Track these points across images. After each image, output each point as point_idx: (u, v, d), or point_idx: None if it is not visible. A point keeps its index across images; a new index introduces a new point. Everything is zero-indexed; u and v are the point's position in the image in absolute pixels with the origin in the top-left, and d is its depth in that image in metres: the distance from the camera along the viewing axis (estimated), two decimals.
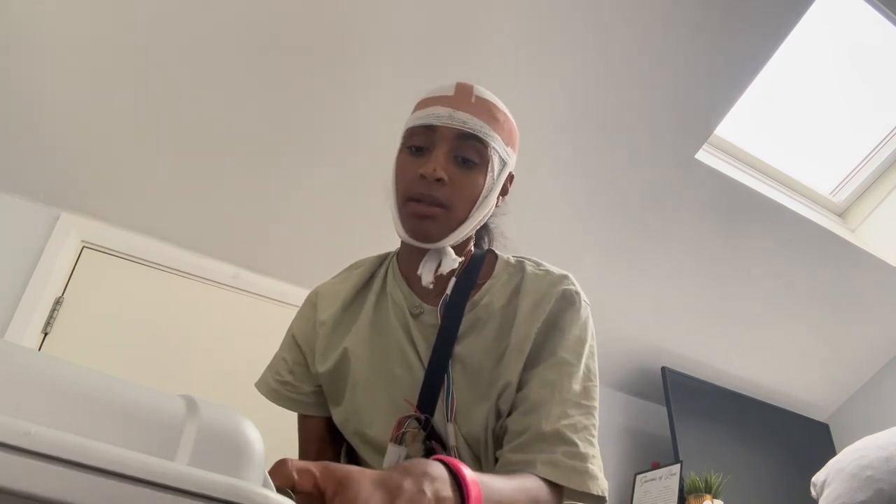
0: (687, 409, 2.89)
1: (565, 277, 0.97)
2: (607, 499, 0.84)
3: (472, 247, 1.01)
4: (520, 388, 0.90)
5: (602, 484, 0.83)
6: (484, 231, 1.06)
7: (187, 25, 1.89)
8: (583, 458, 0.83)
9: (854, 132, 2.95)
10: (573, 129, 2.30)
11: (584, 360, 0.92)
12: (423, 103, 0.95)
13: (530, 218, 2.40)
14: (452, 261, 0.92)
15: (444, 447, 0.88)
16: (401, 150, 0.95)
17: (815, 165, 2.96)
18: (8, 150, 1.99)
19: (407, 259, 1.00)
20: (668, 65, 2.20)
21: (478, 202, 0.92)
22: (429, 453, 0.88)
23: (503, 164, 0.95)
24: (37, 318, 1.98)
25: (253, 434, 0.44)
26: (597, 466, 0.84)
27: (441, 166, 0.88)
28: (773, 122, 2.84)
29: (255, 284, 2.35)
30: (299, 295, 2.37)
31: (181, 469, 0.36)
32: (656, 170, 2.45)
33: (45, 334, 2.02)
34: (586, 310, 0.96)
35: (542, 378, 0.88)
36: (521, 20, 2.04)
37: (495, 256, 1.03)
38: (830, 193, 3.03)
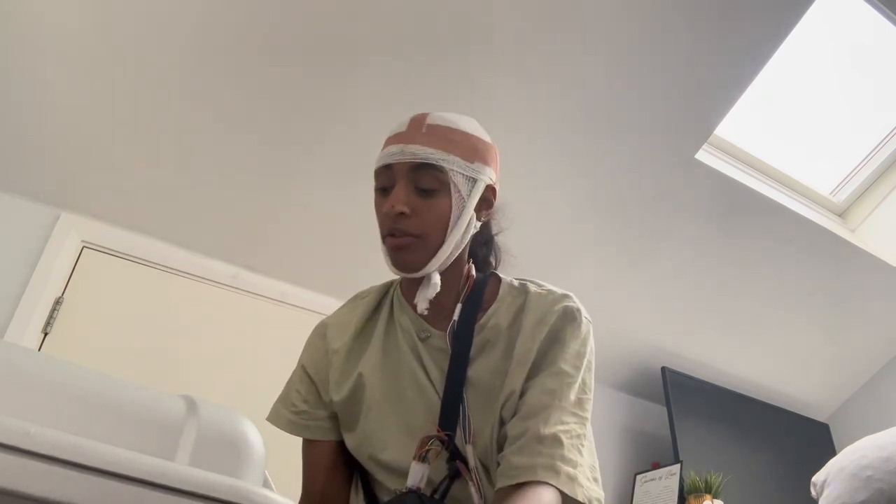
0: (687, 409, 2.89)
1: (567, 296, 1.02)
2: None
3: (472, 270, 1.05)
4: (521, 395, 0.94)
5: (588, 492, 0.88)
6: (488, 251, 1.09)
7: (187, 26, 1.89)
8: (573, 464, 0.88)
9: (854, 132, 2.95)
10: (573, 130, 2.30)
11: (581, 373, 0.96)
12: (384, 144, 1.00)
13: (531, 218, 2.40)
14: (434, 286, 0.96)
15: (468, 467, 0.92)
16: (375, 192, 1.00)
17: (816, 165, 2.96)
18: (8, 150, 1.99)
19: (408, 286, 1.04)
20: (668, 65, 2.20)
21: (450, 225, 0.95)
22: (454, 474, 0.91)
23: (471, 181, 0.97)
24: (37, 318, 1.98)
25: (253, 434, 0.44)
26: (583, 475, 0.89)
27: (401, 201, 0.93)
28: (773, 122, 2.84)
29: (255, 284, 2.35)
30: (299, 295, 2.40)
31: (181, 469, 0.36)
32: (656, 170, 2.45)
33: (45, 334, 2.02)
34: (587, 326, 1.00)
35: (543, 386, 0.93)
36: (522, 21, 2.03)
37: (499, 280, 1.07)
38: (830, 193, 3.03)
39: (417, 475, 0.89)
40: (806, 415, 3.33)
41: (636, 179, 2.47)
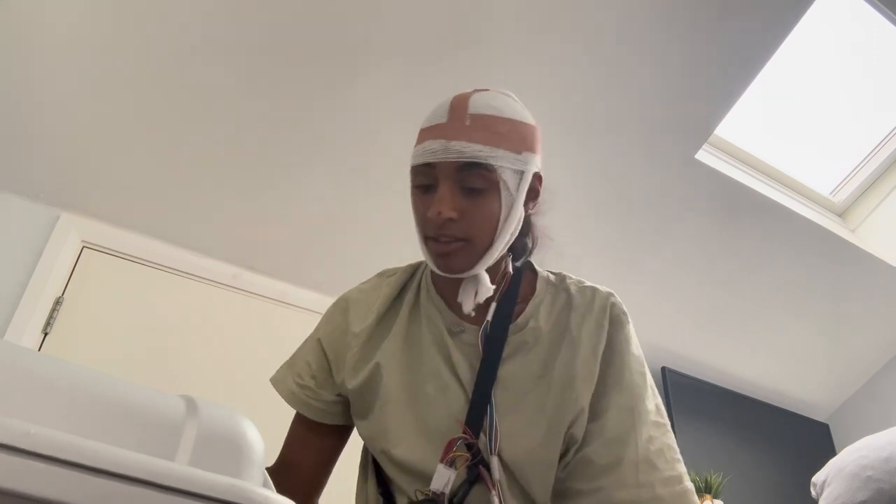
0: (687, 409, 2.89)
1: (612, 295, 0.98)
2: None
3: (509, 265, 0.98)
4: (594, 416, 0.89)
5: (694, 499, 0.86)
6: (527, 237, 1.02)
7: (188, 26, 1.89)
8: (676, 480, 0.85)
9: (854, 132, 2.95)
10: (573, 130, 2.30)
11: (648, 378, 0.93)
12: (421, 136, 0.90)
13: None
14: (487, 289, 0.89)
15: (490, 473, 0.86)
16: (412, 189, 0.91)
17: (816, 165, 2.96)
18: (8, 150, 1.99)
19: (443, 278, 0.96)
20: (668, 65, 2.20)
21: (499, 225, 0.88)
22: (473, 479, 0.86)
23: (519, 174, 0.89)
24: (37, 318, 1.98)
25: (253, 434, 0.44)
26: (688, 479, 0.86)
27: (447, 205, 0.85)
28: (773, 122, 2.84)
29: (255, 284, 2.35)
30: (299, 295, 2.40)
31: (181, 469, 0.36)
32: (656, 170, 2.45)
33: (45, 334, 2.02)
34: (631, 324, 0.97)
35: (619, 405, 0.88)
36: (522, 21, 2.04)
37: (534, 273, 1.02)
38: (830, 193, 3.03)
39: (443, 480, 0.83)
40: (806, 415, 3.33)
41: (636, 179, 2.47)
